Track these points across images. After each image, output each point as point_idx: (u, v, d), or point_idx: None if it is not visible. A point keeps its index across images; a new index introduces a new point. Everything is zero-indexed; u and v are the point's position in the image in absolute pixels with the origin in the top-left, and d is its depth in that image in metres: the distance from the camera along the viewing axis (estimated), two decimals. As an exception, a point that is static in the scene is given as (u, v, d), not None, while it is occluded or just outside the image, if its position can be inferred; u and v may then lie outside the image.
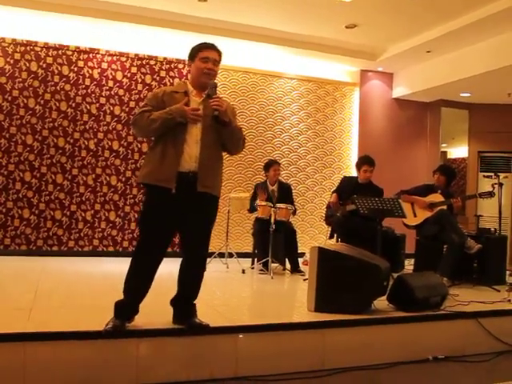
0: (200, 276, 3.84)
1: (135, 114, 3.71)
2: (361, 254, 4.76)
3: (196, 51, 3.75)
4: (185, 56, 8.37)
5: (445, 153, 10.47)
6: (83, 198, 7.93)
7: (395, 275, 4.99)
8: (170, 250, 3.86)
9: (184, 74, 8.37)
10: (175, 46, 8.29)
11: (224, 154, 3.85)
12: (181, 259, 3.84)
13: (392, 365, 4.22)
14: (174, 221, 3.64)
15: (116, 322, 3.58)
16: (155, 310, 4.00)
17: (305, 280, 6.22)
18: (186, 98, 3.67)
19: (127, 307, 3.67)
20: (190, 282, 3.84)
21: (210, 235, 3.83)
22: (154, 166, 3.59)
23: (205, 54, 3.70)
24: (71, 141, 7.88)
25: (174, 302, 3.89)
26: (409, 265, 7.62)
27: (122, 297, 3.69)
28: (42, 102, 7.73)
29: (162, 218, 3.60)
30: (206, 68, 3.68)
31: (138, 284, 3.68)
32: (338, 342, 4.18)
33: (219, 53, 3.78)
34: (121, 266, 3.77)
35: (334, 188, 7.37)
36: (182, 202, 3.58)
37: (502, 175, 7.05)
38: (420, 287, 4.70)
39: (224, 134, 3.68)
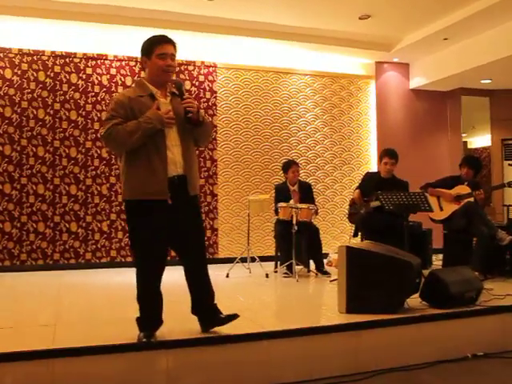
0: (208, 276, 3.78)
1: (104, 127, 3.47)
2: (390, 251, 4.64)
3: (150, 47, 3.54)
4: (195, 57, 8.30)
5: (465, 143, 10.24)
6: (98, 209, 7.79)
7: (424, 272, 4.86)
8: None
9: (194, 75, 8.22)
10: (185, 47, 7.93)
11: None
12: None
13: (430, 364, 4.08)
14: (168, 230, 3.55)
15: (145, 335, 3.51)
16: (181, 319, 3.92)
17: (331, 281, 6.16)
18: (156, 102, 3.50)
19: (149, 321, 3.61)
20: (201, 286, 3.77)
21: (204, 234, 3.81)
22: (142, 179, 3.45)
23: (161, 50, 3.50)
24: (83, 150, 7.75)
25: (195, 310, 3.81)
26: (436, 260, 7.54)
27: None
28: (51, 112, 7.60)
29: (158, 231, 3.48)
30: (164, 65, 3.50)
31: (150, 298, 3.61)
32: (372, 344, 4.05)
33: (174, 45, 3.59)
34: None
35: (357, 184, 7.20)
36: (175, 209, 3.50)
37: (527, 162, 6.83)
38: (454, 282, 4.56)
39: (197, 131, 3.61)
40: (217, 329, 3.75)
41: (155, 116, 3.41)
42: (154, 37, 3.57)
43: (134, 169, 3.48)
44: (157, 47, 3.50)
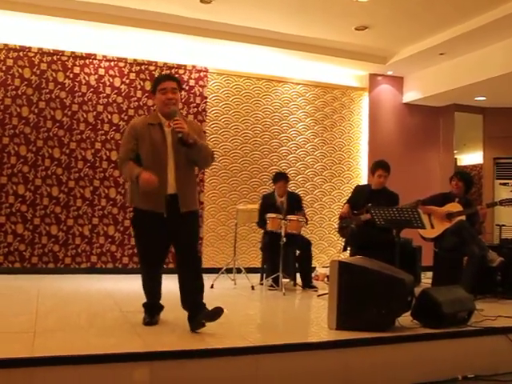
0: (199, 276, 4.13)
1: (119, 153, 4.27)
2: (383, 267, 4.55)
3: (155, 85, 4.17)
4: (186, 61, 8.15)
5: (455, 159, 10.14)
6: (80, 212, 7.54)
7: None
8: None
9: (185, 79, 8.03)
10: (176, 50, 8.00)
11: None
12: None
13: (420, 385, 4.01)
14: (165, 238, 4.14)
15: (149, 318, 4.28)
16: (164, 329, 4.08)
17: (319, 296, 6.09)
18: (148, 174, 3.88)
19: (151, 306, 4.37)
20: (189, 279, 4.11)
21: (198, 247, 4.42)
22: (143, 193, 3.99)
23: (162, 86, 4.10)
24: (67, 151, 7.52)
25: (183, 303, 4.17)
26: (425, 278, 7.45)
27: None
28: (36, 110, 7.35)
29: (154, 236, 4.12)
30: (166, 99, 4.08)
31: (149, 287, 4.36)
32: (362, 362, 4.02)
33: (176, 80, 4.21)
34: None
35: (346, 198, 7.08)
36: (170, 222, 4.04)
37: (519, 182, 6.74)
38: (447, 302, 4.47)
39: (191, 153, 4.04)
40: (203, 331, 3.98)
41: (140, 175, 3.86)
42: (157, 76, 4.44)
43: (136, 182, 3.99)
44: (159, 84, 4.13)
